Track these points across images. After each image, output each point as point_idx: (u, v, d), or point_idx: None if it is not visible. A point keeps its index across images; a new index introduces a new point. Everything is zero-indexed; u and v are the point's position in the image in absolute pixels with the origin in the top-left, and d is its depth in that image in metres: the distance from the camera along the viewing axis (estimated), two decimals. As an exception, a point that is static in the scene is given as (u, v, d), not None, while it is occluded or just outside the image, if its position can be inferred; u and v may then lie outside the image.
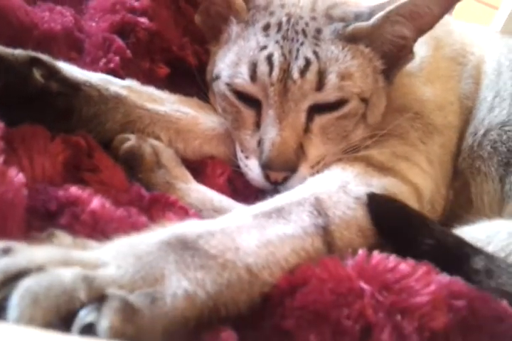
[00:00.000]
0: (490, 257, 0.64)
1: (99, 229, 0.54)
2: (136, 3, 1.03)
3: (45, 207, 0.57)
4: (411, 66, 0.98)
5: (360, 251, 0.58)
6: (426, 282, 0.51)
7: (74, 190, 0.59)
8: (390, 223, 0.71)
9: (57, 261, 0.45)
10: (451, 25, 1.13)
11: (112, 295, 0.42)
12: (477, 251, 0.65)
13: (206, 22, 0.99)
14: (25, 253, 0.44)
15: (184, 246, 0.51)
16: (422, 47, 1.00)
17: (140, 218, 0.59)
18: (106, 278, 0.45)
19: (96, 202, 0.57)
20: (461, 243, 0.67)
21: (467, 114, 1.01)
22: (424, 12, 0.84)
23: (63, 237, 0.50)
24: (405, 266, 0.54)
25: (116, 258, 0.48)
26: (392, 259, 0.55)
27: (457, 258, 0.64)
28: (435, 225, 0.70)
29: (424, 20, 0.86)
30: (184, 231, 0.53)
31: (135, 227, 0.57)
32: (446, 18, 1.19)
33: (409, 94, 0.97)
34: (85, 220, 0.54)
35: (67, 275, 0.42)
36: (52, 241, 0.49)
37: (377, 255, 0.57)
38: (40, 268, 0.43)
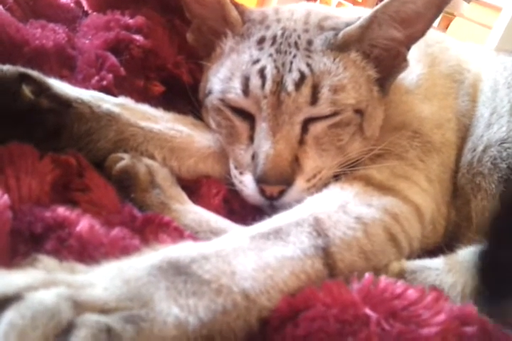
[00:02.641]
0: None
1: (86, 255, 0.50)
2: (130, 21, 1.02)
3: (30, 230, 0.54)
4: (409, 83, 0.98)
5: (367, 275, 0.55)
6: (435, 311, 0.48)
7: (61, 210, 0.56)
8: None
9: (39, 283, 0.42)
10: (447, 43, 1.13)
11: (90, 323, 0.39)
12: None
13: (199, 39, 0.99)
14: (2, 279, 0.41)
15: (176, 272, 0.48)
16: (417, 65, 1.00)
17: (132, 241, 0.56)
18: (91, 297, 0.43)
19: (84, 224, 0.54)
20: None
21: (464, 131, 1.00)
22: (413, 12, 0.83)
23: (47, 262, 0.47)
24: (413, 291, 0.51)
25: (103, 281, 0.46)
26: (400, 284, 0.52)
27: None
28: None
29: (414, 23, 0.85)
30: (177, 255, 0.50)
31: (126, 251, 0.53)
32: (442, 35, 1.20)
33: (408, 111, 0.95)
34: (72, 245, 0.51)
35: (50, 297, 0.40)
36: (36, 267, 0.46)
37: (384, 279, 0.54)
38: (19, 295, 0.40)
